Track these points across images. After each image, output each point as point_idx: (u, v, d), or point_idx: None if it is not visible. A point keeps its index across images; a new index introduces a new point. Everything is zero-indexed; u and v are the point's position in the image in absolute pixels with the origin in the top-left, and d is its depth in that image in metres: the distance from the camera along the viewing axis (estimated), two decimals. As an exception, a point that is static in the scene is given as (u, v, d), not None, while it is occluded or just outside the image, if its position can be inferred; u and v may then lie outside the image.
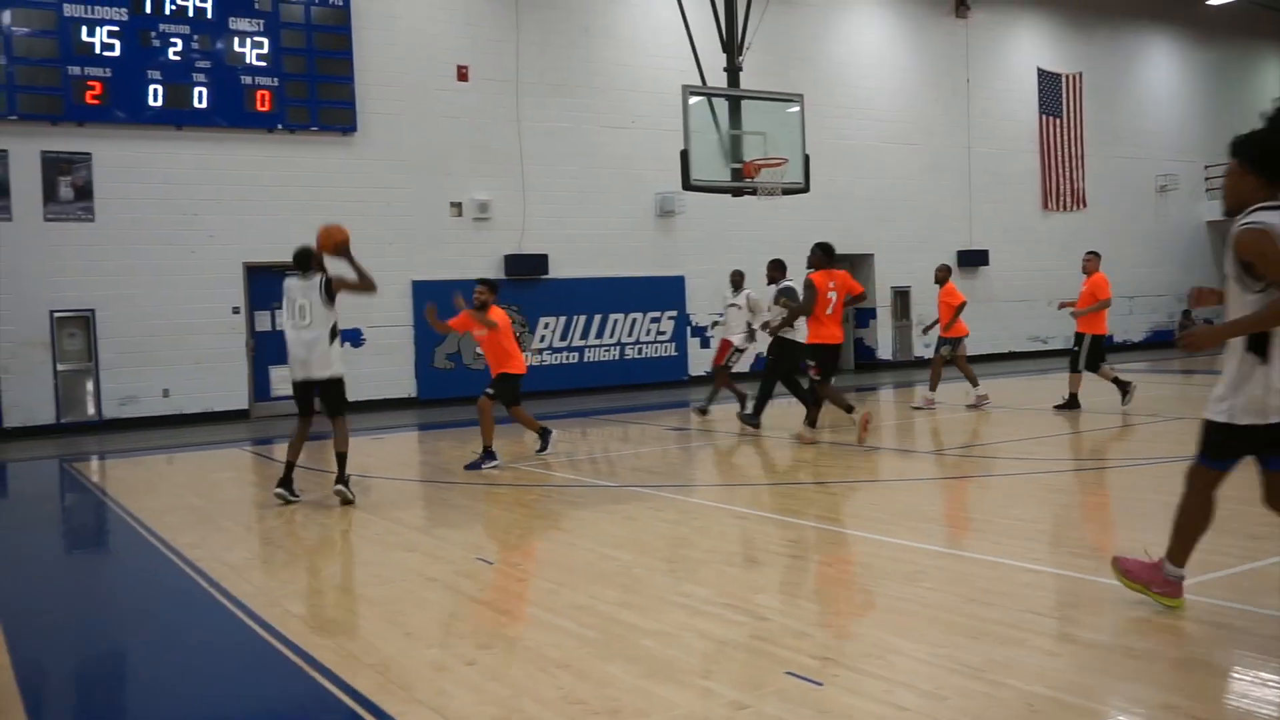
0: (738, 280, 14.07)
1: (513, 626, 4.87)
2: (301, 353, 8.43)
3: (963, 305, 14.03)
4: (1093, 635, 4.46)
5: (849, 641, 4.46)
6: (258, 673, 4.64)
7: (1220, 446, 4.41)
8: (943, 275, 14.41)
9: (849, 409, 11.11)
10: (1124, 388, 12.76)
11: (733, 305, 13.90)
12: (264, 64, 16.04)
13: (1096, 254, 13.33)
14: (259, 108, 16.03)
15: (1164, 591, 4.64)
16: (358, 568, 6.31)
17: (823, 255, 11.38)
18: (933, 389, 14.12)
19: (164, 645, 4.95)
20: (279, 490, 8.38)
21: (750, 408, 12.35)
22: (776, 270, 12.91)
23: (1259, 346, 4.22)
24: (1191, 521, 4.57)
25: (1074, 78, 25.44)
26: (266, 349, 16.46)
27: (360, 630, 4.94)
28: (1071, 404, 12.93)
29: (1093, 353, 12.96)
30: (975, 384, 13.91)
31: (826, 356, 11.10)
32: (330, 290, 8.52)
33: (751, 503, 7.96)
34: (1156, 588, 4.65)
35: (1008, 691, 3.78)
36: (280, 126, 16.24)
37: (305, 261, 8.70)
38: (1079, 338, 13.09)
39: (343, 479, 8.27)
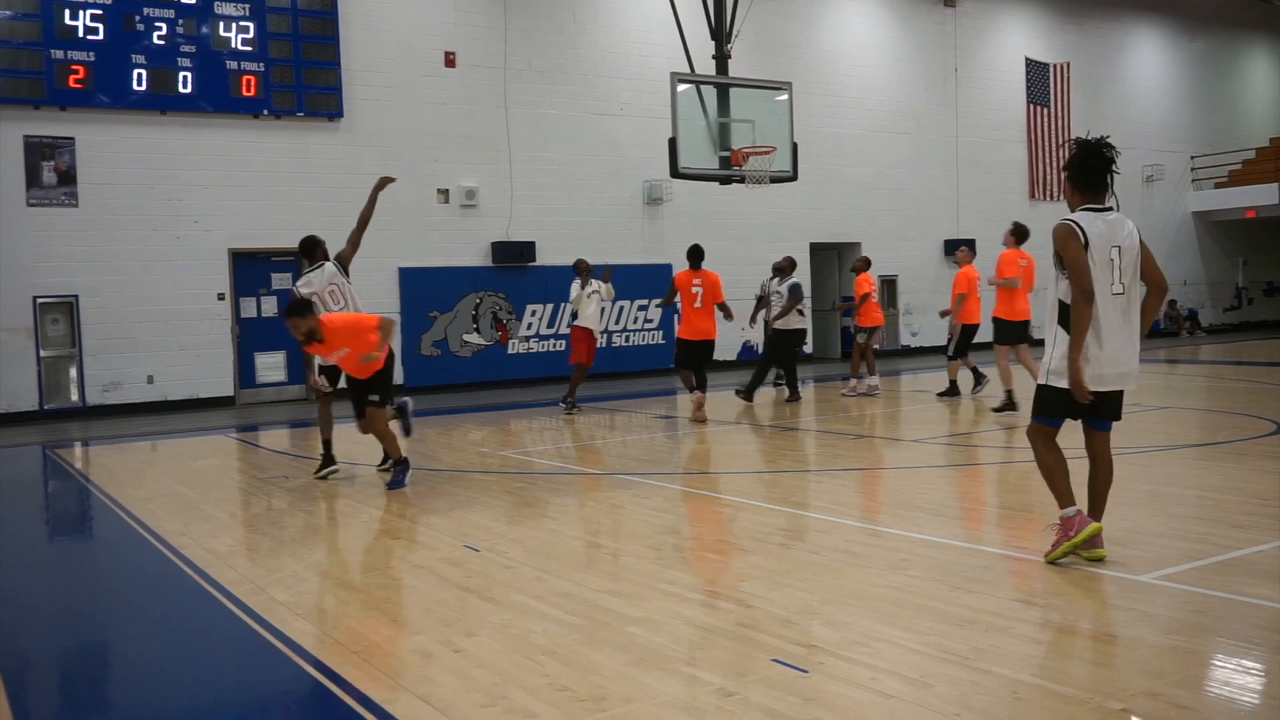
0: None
1: (499, 614, 4.86)
2: None
3: (866, 296, 14.63)
4: (1077, 623, 4.48)
5: (835, 629, 4.46)
6: (243, 660, 4.62)
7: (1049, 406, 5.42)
8: (859, 265, 15.03)
9: (690, 388, 12.41)
10: (979, 378, 13.77)
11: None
12: (249, 49, 15.93)
13: (969, 248, 13.92)
14: (244, 93, 15.93)
15: (1077, 529, 5.21)
16: (344, 555, 6.29)
17: (691, 257, 12.61)
18: (853, 373, 14.99)
19: (148, 632, 4.92)
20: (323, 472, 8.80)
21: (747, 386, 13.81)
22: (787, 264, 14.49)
23: (1064, 323, 5.21)
24: (1045, 465, 5.47)
25: (1062, 67, 25.47)
26: (251, 335, 16.40)
27: (346, 617, 4.93)
28: (951, 391, 13.66)
29: (962, 341, 13.44)
30: (870, 374, 14.56)
31: (685, 350, 12.47)
32: (346, 266, 8.91)
33: (738, 490, 7.96)
34: (1071, 532, 5.23)
35: (993, 679, 3.79)
36: (266, 112, 16.14)
37: (313, 251, 8.77)
38: (957, 328, 13.52)
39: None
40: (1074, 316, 5.07)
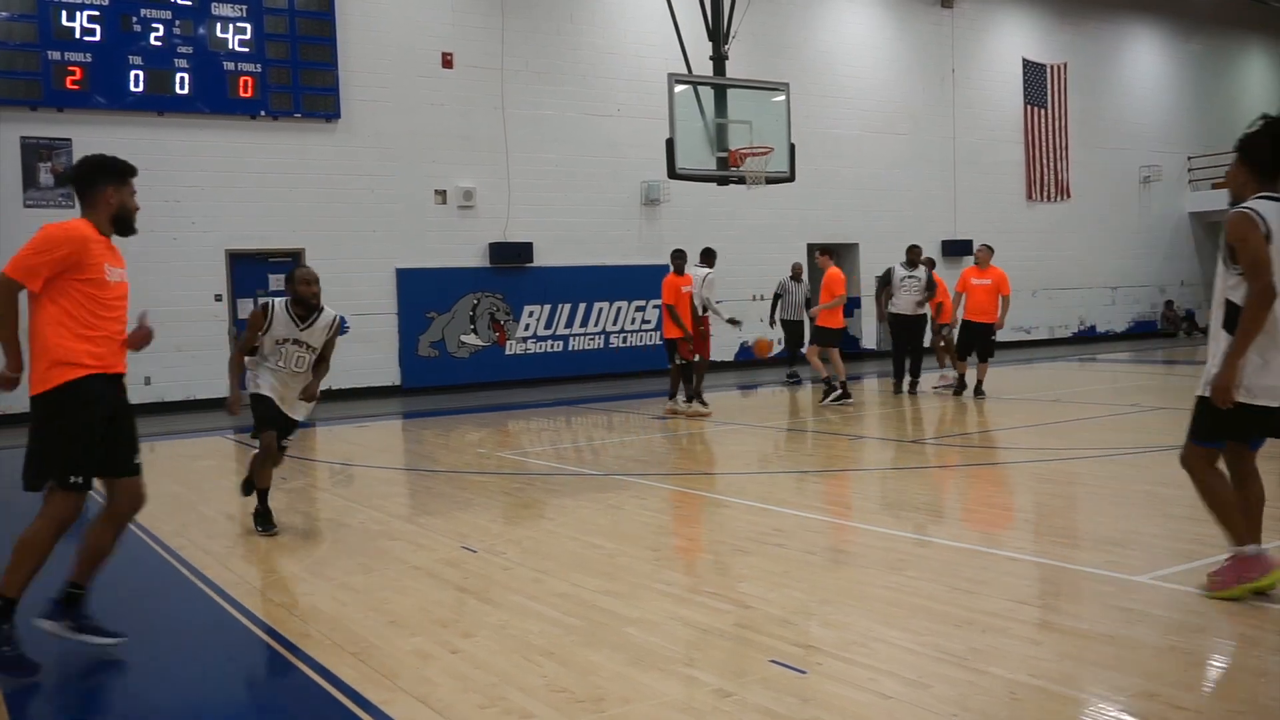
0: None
1: (496, 614, 4.86)
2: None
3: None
4: (1075, 623, 4.48)
5: (833, 630, 4.46)
6: (240, 660, 4.62)
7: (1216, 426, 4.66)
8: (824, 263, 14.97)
9: (670, 395, 13.00)
10: (830, 387, 13.63)
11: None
12: (247, 50, 15.90)
13: (830, 252, 14.49)
14: (242, 94, 15.90)
15: (1262, 571, 4.57)
16: (341, 556, 6.28)
17: (676, 261, 13.17)
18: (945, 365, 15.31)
19: (145, 632, 4.91)
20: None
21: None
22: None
23: (1233, 328, 4.54)
24: (1218, 499, 4.72)
25: (1059, 68, 25.48)
26: (249, 337, 16.37)
27: (343, 618, 4.92)
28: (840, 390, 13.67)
29: (820, 339, 13.90)
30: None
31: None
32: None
33: (735, 491, 7.96)
34: (1253, 574, 4.58)
35: (991, 679, 3.79)
36: (263, 113, 16.12)
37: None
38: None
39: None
40: (1246, 318, 4.42)
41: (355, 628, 4.75)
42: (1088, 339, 25.58)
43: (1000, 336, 15.26)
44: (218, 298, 16.11)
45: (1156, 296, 27.72)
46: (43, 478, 4.39)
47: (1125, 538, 5.87)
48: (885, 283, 14.79)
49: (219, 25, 15.71)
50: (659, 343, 19.40)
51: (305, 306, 6.89)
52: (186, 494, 8.61)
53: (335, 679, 4.08)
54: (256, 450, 7.07)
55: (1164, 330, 27.55)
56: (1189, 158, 28.42)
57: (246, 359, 6.96)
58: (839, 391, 13.44)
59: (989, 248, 14.11)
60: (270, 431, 6.84)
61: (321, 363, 7.08)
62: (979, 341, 13.66)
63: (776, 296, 17.16)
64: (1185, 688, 3.73)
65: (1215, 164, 28.46)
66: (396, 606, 5.06)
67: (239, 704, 4.15)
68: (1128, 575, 5.08)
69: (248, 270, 16.31)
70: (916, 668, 3.95)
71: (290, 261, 16.50)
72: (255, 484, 6.99)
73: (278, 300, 6.91)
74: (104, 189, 4.70)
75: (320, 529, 7.23)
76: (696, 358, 12.92)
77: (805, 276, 17.56)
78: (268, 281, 16.40)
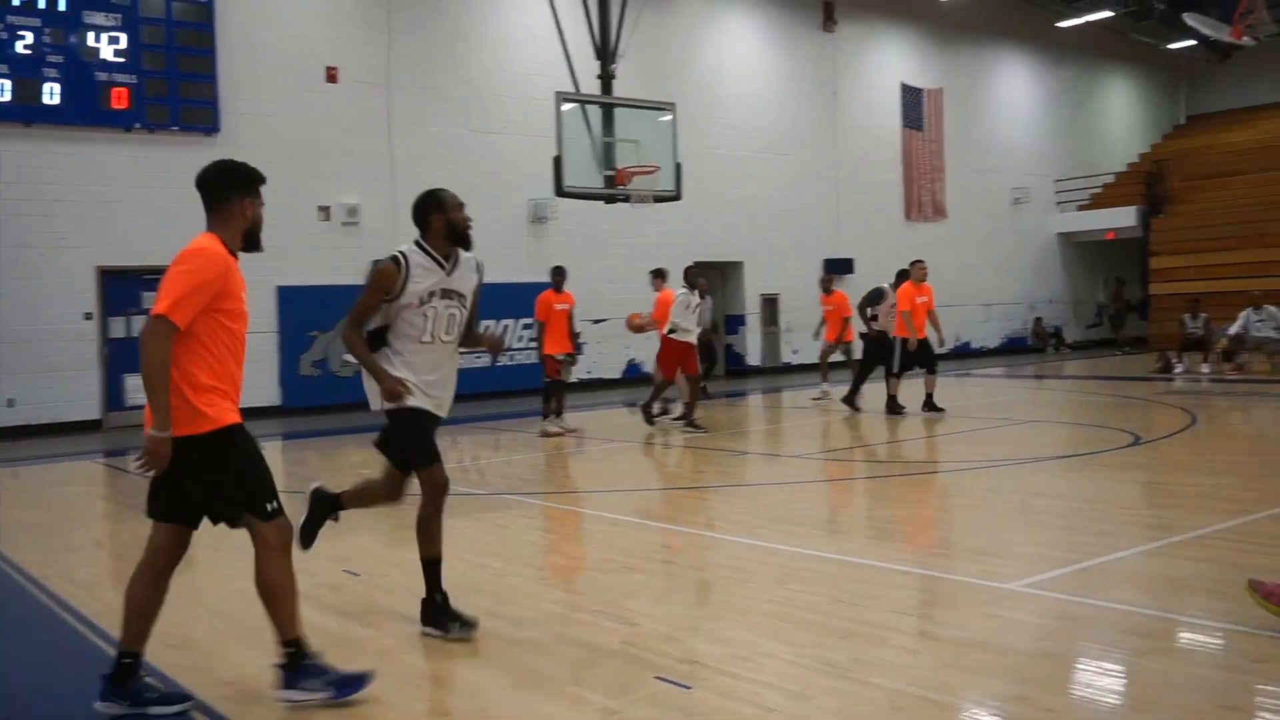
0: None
1: (378, 639, 4.77)
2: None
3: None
4: (952, 632, 4.60)
5: (718, 645, 4.50)
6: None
7: None
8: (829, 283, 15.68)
9: (543, 416, 13.01)
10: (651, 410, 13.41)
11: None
12: (121, 60, 15.38)
13: (661, 275, 14.20)
14: (115, 105, 15.37)
15: None
16: (217, 582, 6.09)
17: (556, 278, 13.08)
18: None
19: (7, 667, 4.69)
20: None
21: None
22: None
23: None
24: None
25: (935, 93, 26.30)
26: (122, 356, 15.80)
27: (218, 647, 4.77)
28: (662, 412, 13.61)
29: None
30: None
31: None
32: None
33: (623, 508, 7.97)
34: None
35: (873, 690, 3.87)
36: (138, 125, 15.61)
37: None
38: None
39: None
40: None
41: (230, 656, 4.61)
42: (962, 354, 26.37)
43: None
44: (87, 316, 15.50)
45: (1027, 313, 28.75)
46: (241, 513, 4.00)
47: (999, 547, 6.06)
48: (874, 301, 14.21)
49: (91, 34, 15.17)
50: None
51: (456, 239, 5.00)
52: (53, 521, 8.24)
53: (209, 709, 3.96)
54: (366, 487, 5.35)
55: (1034, 346, 28.58)
56: (1056, 180, 29.62)
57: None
58: (682, 415, 13.11)
59: (924, 264, 13.90)
60: (441, 463, 4.95)
61: (471, 323, 5.21)
62: (923, 356, 13.32)
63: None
64: (1055, 691, 3.87)
65: (1081, 186, 29.75)
66: (272, 634, 4.92)
67: (107, 739, 3.98)
68: (1001, 584, 5.24)
69: (121, 288, 15.75)
70: (800, 680, 4.01)
71: (165, 278, 16.01)
72: (427, 550, 4.94)
73: (402, 246, 4.97)
74: (239, 200, 4.08)
75: (194, 555, 6.97)
76: (550, 379, 12.87)
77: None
78: (141, 300, 15.86)
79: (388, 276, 4.81)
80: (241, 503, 3.96)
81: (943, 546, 6.59)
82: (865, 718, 3.63)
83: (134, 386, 15.93)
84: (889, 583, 5.55)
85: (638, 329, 13.97)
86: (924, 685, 3.92)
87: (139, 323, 15.82)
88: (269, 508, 3.96)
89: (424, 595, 4.83)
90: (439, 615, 4.77)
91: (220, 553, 6.85)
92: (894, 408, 13.23)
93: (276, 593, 3.98)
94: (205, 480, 3.94)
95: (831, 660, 4.21)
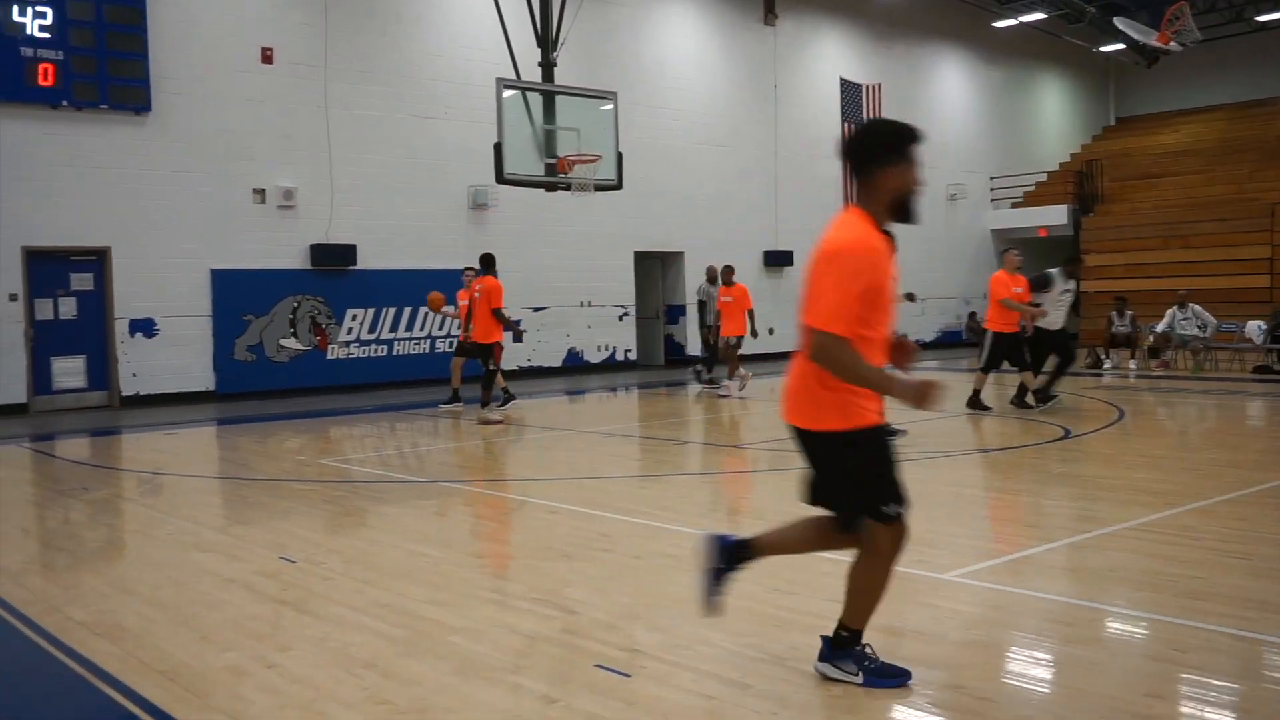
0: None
1: (316, 626, 4.72)
2: None
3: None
4: (888, 620, 4.66)
5: (657, 633, 4.52)
6: (35, 685, 4.33)
7: None
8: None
9: (483, 404, 12.93)
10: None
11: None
12: (47, 35, 14.97)
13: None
14: (41, 82, 14.96)
15: None
16: (148, 570, 5.99)
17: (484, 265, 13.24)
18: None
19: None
20: None
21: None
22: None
23: None
24: None
25: (874, 88, 26.56)
26: (48, 339, 15.42)
27: (151, 635, 4.69)
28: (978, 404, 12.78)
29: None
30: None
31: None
32: None
33: (561, 497, 7.96)
34: None
35: (810, 677, 3.92)
36: (65, 103, 15.21)
37: None
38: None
39: None
40: None
41: (163, 644, 4.53)
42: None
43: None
44: (12, 298, 15.10)
45: (961, 308, 29.21)
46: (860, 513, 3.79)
47: (933, 538, 6.16)
48: (1043, 286, 13.21)
49: (15, 8, 14.73)
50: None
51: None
52: (-25, 507, 8.03)
53: (141, 699, 3.89)
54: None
55: (968, 340, 29.04)
56: (991, 178, 30.10)
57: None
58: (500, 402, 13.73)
59: (1016, 253, 13.81)
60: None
61: None
62: (1040, 351, 13.04)
63: (701, 304, 17.23)
64: (987, 679, 3.95)
65: (1014, 185, 30.24)
66: (208, 621, 4.86)
67: (34, 730, 3.89)
68: (934, 574, 5.33)
69: (47, 269, 15.36)
70: (739, 668, 4.05)
71: (95, 261, 15.65)
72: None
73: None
74: (884, 169, 3.67)
75: (126, 541, 6.87)
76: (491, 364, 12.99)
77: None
78: (69, 281, 15.50)
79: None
80: (862, 503, 3.77)
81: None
82: (804, 704, 3.67)
83: (61, 370, 15.57)
84: (826, 572, 5.60)
85: (436, 305, 14.74)
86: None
87: (66, 304, 15.54)
88: (890, 511, 3.73)
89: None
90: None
91: (150, 539, 6.75)
92: (977, 404, 12.57)
93: (864, 590, 3.87)
94: (834, 475, 3.78)
95: (769, 649, 4.25)
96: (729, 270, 15.84)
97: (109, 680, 4.12)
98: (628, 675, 3.98)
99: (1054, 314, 12.93)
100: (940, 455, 9.52)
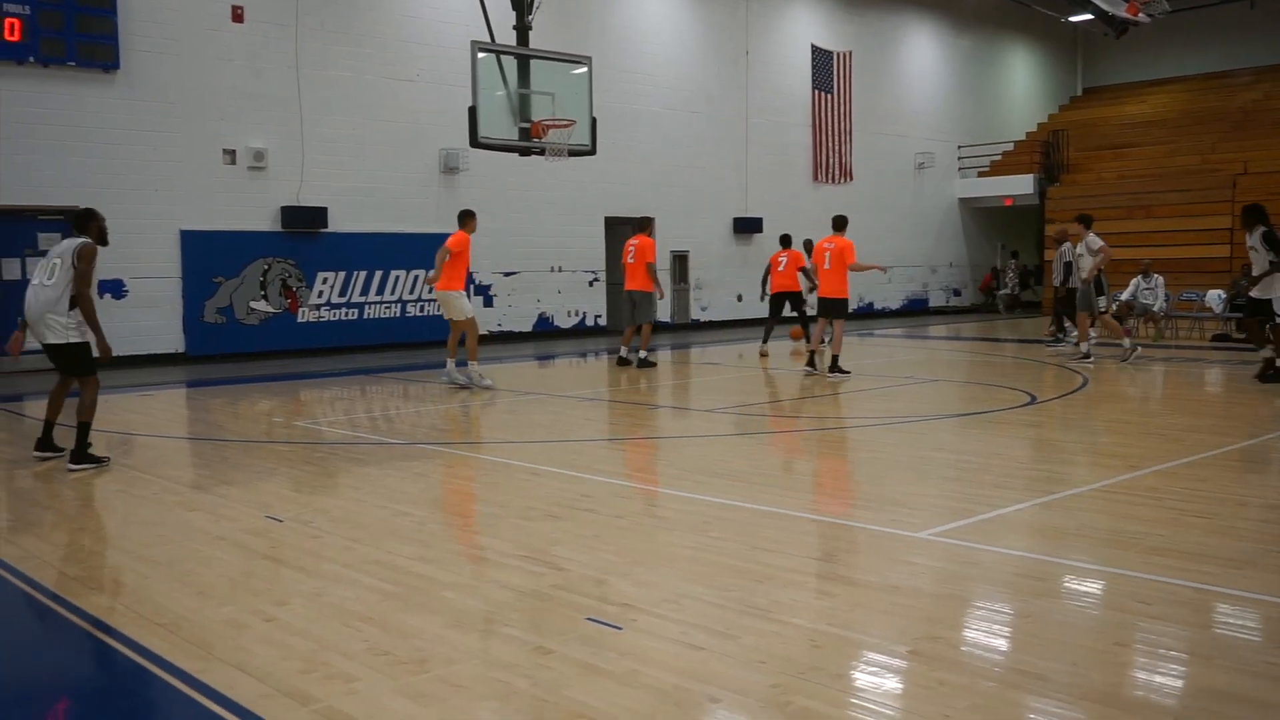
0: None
1: (310, 582, 4.83)
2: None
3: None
4: (865, 576, 4.85)
5: (645, 589, 4.67)
6: (39, 637, 4.42)
7: None
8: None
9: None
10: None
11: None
12: (13, -11, 14.75)
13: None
14: (7, 37, 14.72)
15: None
16: (136, 527, 6.05)
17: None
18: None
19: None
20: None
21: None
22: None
23: None
24: None
25: (844, 56, 26.65)
26: (15, 299, 15.26)
27: (147, 591, 4.78)
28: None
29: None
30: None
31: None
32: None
33: (542, 459, 8.08)
34: None
35: (793, 629, 4.08)
36: (32, 59, 15.00)
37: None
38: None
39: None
40: None
41: (161, 599, 4.62)
42: (865, 315, 26.96)
43: (787, 313, 16.23)
44: (-22, 257, 14.95)
45: (928, 276, 29.50)
46: None
47: (906, 499, 6.35)
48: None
49: (-20, -39, 14.49)
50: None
51: None
52: (-46, 466, 8.04)
53: (146, 650, 3.99)
54: None
55: (935, 308, 29.36)
56: (959, 146, 30.31)
57: None
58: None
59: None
60: None
61: None
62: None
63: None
64: (962, 629, 4.13)
65: (981, 154, 30.49)
66: (203, 577, 4.96)
67: (44, 682, 3.97)
68: (909, 532, 5.51)
69: (12, 229, 15.20)
70: (724, 621, 4.20)
71: (62, 220, 15.50)
72: None
73: None
74: None
75: (111, 500, 6.92)
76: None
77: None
78: (37, 241, 15.35)
79: None
80: None
81: (853, 497, 6.86)
82: (788, 655, 3.83)
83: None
84: (804, 531, 5.79)
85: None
86: (841, 625, 4.15)
87: (33, 264, 15.35)
88: None
89: None
90: None
91: (135, 499, 6.81)
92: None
93: None
94: None
95: (753, 602, 4.41)
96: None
97: (112, 633, 4.21)
98: (619, 628, 4.13)
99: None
100: (911, 420, 9.73)
